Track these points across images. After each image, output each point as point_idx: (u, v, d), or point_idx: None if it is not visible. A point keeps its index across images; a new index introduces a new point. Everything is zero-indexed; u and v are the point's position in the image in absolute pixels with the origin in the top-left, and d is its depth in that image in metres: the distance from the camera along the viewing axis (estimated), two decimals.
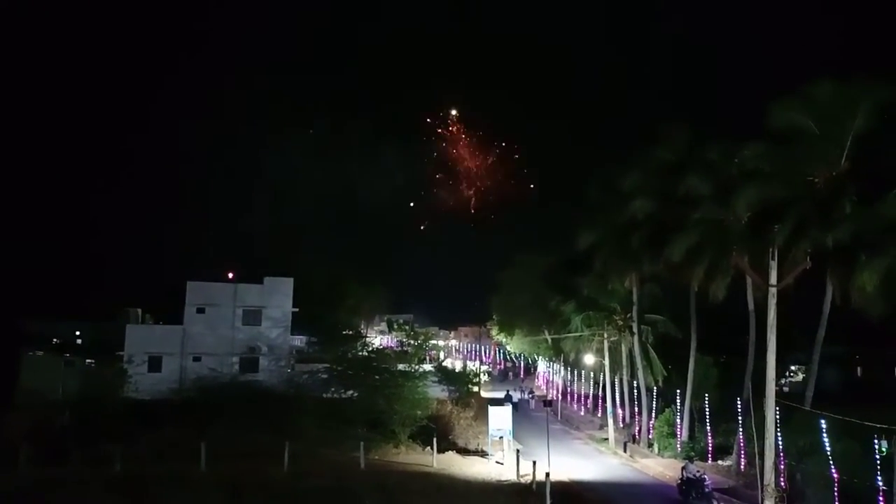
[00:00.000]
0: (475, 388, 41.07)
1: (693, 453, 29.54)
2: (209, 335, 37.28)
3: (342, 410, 30.25)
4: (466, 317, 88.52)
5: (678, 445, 31.63)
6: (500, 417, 29.97)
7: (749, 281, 25.73)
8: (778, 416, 21.14)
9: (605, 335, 38.74)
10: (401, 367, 32.80)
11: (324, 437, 27.46)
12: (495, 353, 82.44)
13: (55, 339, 53.41)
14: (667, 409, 33.94)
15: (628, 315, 37.13)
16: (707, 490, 21.91)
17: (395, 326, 52.34)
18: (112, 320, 43.69)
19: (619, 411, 39.75)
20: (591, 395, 47.79)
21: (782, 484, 21.80)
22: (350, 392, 31.59)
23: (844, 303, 22.08)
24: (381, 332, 69.33)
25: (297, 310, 39.08)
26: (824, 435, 20.37)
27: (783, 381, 46.48)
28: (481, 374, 50.71)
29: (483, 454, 30.25)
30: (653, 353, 37.25)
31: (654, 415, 34.94)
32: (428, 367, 37.41)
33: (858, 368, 54.72)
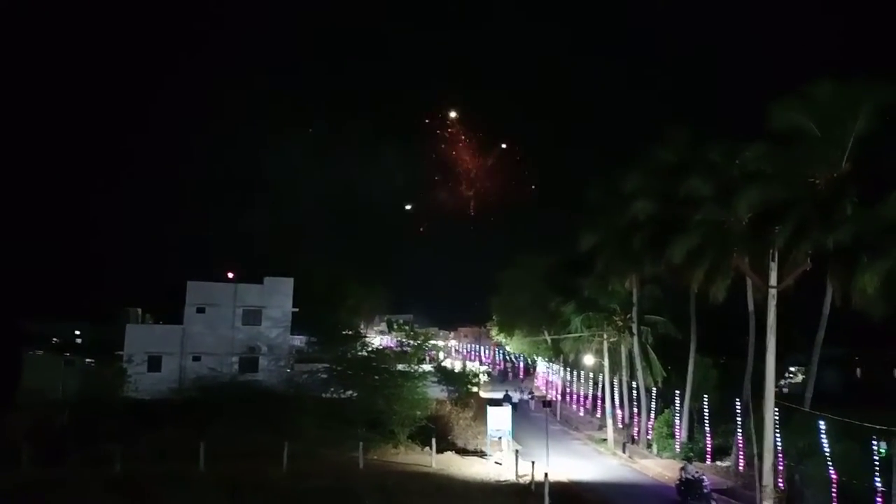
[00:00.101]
0: (474, 389, 41.03)
1: (692, 454, 29.62)
2: (209, 335, 37.27)
3: (341, 410, 30.24)
4: (466, 317, 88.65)
5: (677, 446, 31.65)
6: (500, 418, 29.97)
7: (749, 282, 25.74)
8: (777, 418, 21.20)
9: (605, 336, 38.75)
10: (400, 367, 32.80)
11: (323, 437, 27.47)
12: (495, 354, 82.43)
13: (55, 339, 53.38)
14: (666, 410, 33.95)
15: (628, 316, 37.14)
16: (706, 491, 21.93)
17: (395, 326, 52.36)
18: (112, 320, 43.69)
19: (619, 412, 39.73)
20: (590, 395, 47.76)
21: (781, 485, 21.84)
22: (349, 392, 31.58)
23: (844, 304, 22.07)
24: (381, 333, 69.32)
25: (296, 310, 39.08)
26: (823, 436, 20.39)
27: (782, 382, 46.48)
28: (481, 375, 50.66)
29: (482, 454, 30.25)
30: (652, 354, 37.24)
31: (653, 416, 34.94)
32: (427, 367, 37.41)
33: (858, 370, 54.73)
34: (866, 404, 24.72)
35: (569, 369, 52.03)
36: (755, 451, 20.48)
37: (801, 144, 23.25)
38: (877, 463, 19.04)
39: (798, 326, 29.63)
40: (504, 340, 66.29)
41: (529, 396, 52.15)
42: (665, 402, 35.06)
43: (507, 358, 78.60)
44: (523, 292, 52.64)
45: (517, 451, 26.77)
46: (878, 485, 18.87)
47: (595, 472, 29.05)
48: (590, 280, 37.96)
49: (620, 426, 38.57)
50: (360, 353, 34.39)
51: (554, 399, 50.41)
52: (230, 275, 40.88)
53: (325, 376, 32.56)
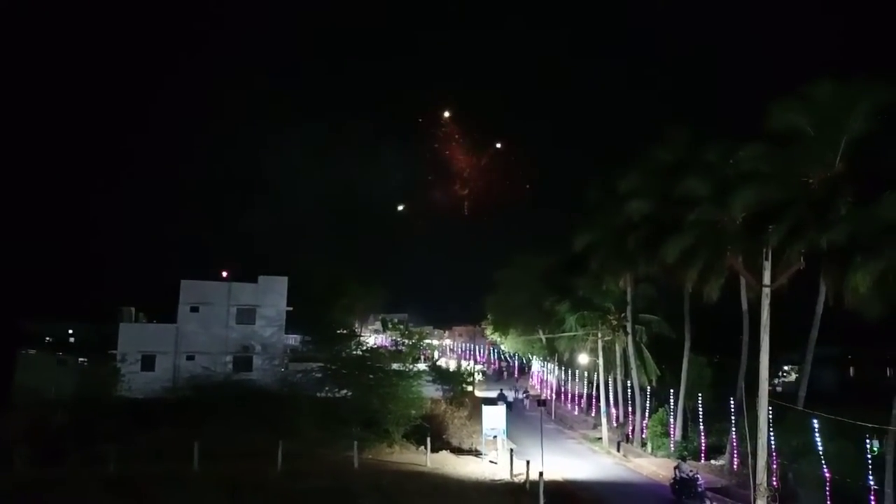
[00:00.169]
0: (469, 388, 41.04)
1: (686, 453, 29.64)
2: (203, 334, 37.17)
3: (336, 410, 30.19)
4: (461, 316, 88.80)
5: (671, 445, 31.73)
6: (494, 417, 29.97)
7: (743, 281, 25.82)
8: (771, 416, 21.25)
9: (600, 335, 38.83)
10: (395, 366, 32.77)
11: (318, 437, 27.43)
12: (490, 353, 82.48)
13: (48, 338, 53.18)
14: (660, 409, 34.03)
15: (622, 315, 37.22)
16: (700, 489, 22.01)
17: (390, 326, 52.17)
18: (105, 319, 43.51)
19: (613, 411, 39.83)
20: (585, 394, 47.85)
21: (775, 483, 21.89)
22: (344, 391, 31.55)
23: (837, 303, 22.15)
24: (376, 332, 69.22)
25: (291, 309, 39.03)
26: (817, 435, 20.47)
27: (776, 381, 46.68)
28: (475, 374, 50.67)
29: (477, 453, 30.26)
30: (647, 353, 37.36)
31: (647, 414, 35.02)
32: (422, 366, 37.39)
33: (851, 369, 55.01)
34: (860, 403, 24.75)
35: (563, 368, 52.11)
36: (749, 450, 20.51)
37: (797, 144, 23.32)
38: (870, 461, 19.13)
39: (792, 325, 29.66)
40: (499, 339, 66.35)
41: (524, 395, 52.22)
42: (659, 400, 35.15)
43: (502, 357, 78.68)
44: (518, 291, 52.70)
45: (512, 450, 26.77)
46: (872, 483, 18.96)
47: (590, 470, 29.09)
48: (584, 279, 38.05)
49: (615, 425, 38.66)
50: (354, 353, 34.34)
51: (548, 398, 50.48)
52: (224, 273, 40.74)
53: (319, 375, 32.51)
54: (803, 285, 23.13)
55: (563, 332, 41.89)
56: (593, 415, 43.41)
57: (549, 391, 54.80)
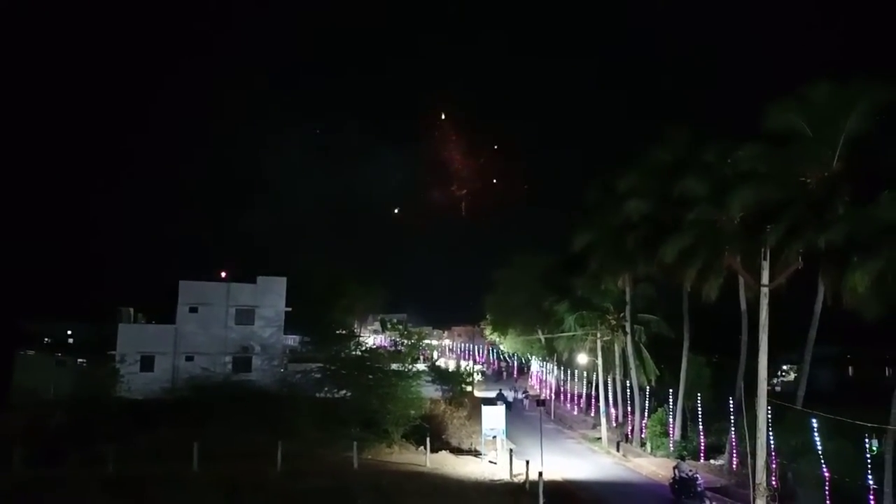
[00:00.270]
0: (468, 388, 41.05)
1: (685, 452, 29.64)
2: (202, 334, 37.14)
3: (335, 410, 30.18)
4: (460, 316, 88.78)
5: (671, 445, 31.74)
6: (494, 417, 29.97)
7: (742, 281, 25.84)
8: (770, 416, 21.22)
9: (599, 335, 38.82)
10: (394, 366, 32.75)
11: (317, 437, 27.41)
12: (489, 353, 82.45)
13: (46, 339, 53.10)
14: (659, 409, 34.03)
15: (621, 315, 37.22)
16: (699, 489, 22.02)
17: (389, 326, 52.16)
18: (104, 319, 43.46)
19: (612, 411, 39.83)
20: (584, 394, 47.86)
21: (774, 483, 21.91)
22: (343, 392, 31.53)
23: (836, 303, 22.19)
24: (375, 332, 69.26)
25: (290, 309, 39.02)
26: (816, 434, 20.49)
27: (775, 380, 46.67)
28: (475, 374, 50.66)
29: (476, 454, 30.27)
30: (646, 353, 37.34)
31: (646, 414, 35.02)
32: (421, 366, 37.37)
33: (850, 368, 55.02)
34: (858, 402, 24.78)
35: (563, 368, 52.11)
36: (748, 450, 20.52)
37: (795, 144, 23.36)
38: (869, 460, 19.15)
39: (791, 325, 29.70)
40: (498, 339, 66.33)
41: (523, 395, 52.21)
42: (658, 400, 35.16)
43: (502, 357, 78.67)
44: (517, 291, 52.66)
45: (511, 450, 26.78)
46: (871, 482, 18.97)
47: (589, 470, 29.11)
48: (583, 279, 38.04)
49: (614, 425, 38.66)
50: (353, 353, 34.34)
51: (548, 398, 50.48)
52: (223, 274, 40.72)
53: (318, 376, 32.49)
54: (802, 285, 23.16)
55: (562, 332, 41.86)
56: (592, 415, 43.42)
57: (548, 391, 54.80)
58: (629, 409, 36.92)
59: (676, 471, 22.85)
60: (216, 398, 29.57)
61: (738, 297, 27.13)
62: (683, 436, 32.03)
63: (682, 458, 26.29)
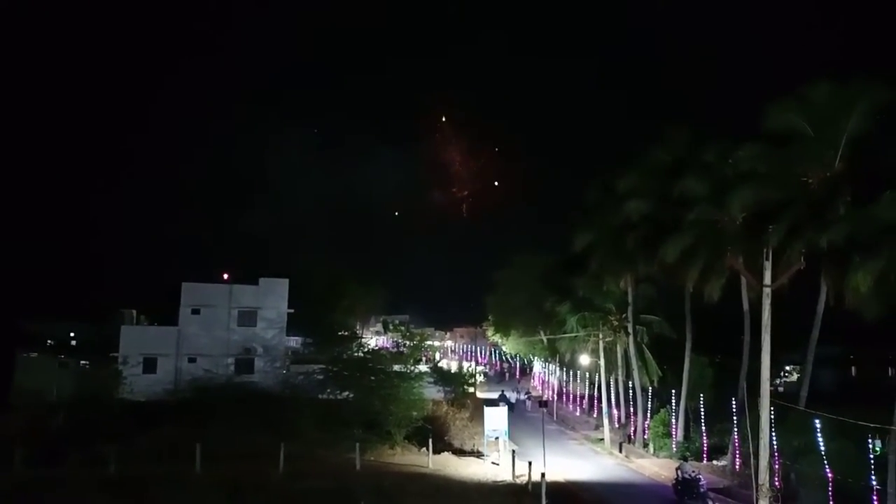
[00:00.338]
0: (471, 389, 41.04)
1: (688, 453, 29.68)
2: (204, 336, 37.20)
3: (338, 411, 30.17)
4: (462, 317, 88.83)
5: (673, 445, 31.72)
6: (496, 418, 29.96)
7: (744, 281, 25.81)
8: (773, 416, 21.23)
9: (601, 336, 38.80)
10: (396, 367, 32.74)
11: (320, 439, 27.41)
12: (491, 354, 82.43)
13: (49, 341, 53.17)
14: (662, 410, 34.02)
15: (623, 315, 37.20)
16: (702, 490, 21.98)
17: (391, 327, 52.17)
18: (106, 321, 43.53)
19: (615, 412, 39.80)
20: (586, 395, 47.84)
21: (777, 484, 21.90)
22: (346, 393, 31.52)
23: (838, 303, 22.16)
24: (377, 333, 69.25)
25: (292, 311, 39.05)
26: (818, 435, 20.46)
27: (778, 381, 46.66)
28: (477, 375, 50.65)
29: (479, 455, 30.26)
30: (648, 354, 37.33)
31: (649, 415, 35.00)
32: (423, 367, 37.37)
33: (853, 368, 54.97)
34: (861, 403, 24.74)
35: (565, 369, 52.10)
36: (751, 450, 20.51)
37: (795, 144, 23.34)
38: (872, 461, 19.12)
39: (793, 325, 29.71)
40: (500, 341, 66.32)
41: (526, 396, 52.21)
42: (661, 401, 35.14)
43: (504, 358, 78.65)
44: (519, 292, 52.68)
45: (514, 452, 26.77)
46: (874, 483, 18.94)
47: (592, 471, 29.08)
48: (585, 280, 38.03)
49: (617, 426, 38.64)
50: (356, 354, 34.33)
51: (550, 399, 50.46)
52: (225, 276, 40.78)
53: (321, 377, 32.48)
54: (804, 285, 23.15)
55: (565, 332, 41.86)
56: (595, 416, 43.40)
57: (550, 392, 54.79)
58: (631, 409, 36.90)
59: (679, 472, 22.83)
60: (218, 400, 29.57)
61: (740, 298, 27.10)
62: (686, 437, 32.00)
63: (685, 459, 26.34)
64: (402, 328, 39.41)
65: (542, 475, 21.37)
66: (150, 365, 35.77)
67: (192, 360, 36.47)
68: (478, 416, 33.22)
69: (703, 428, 30.05)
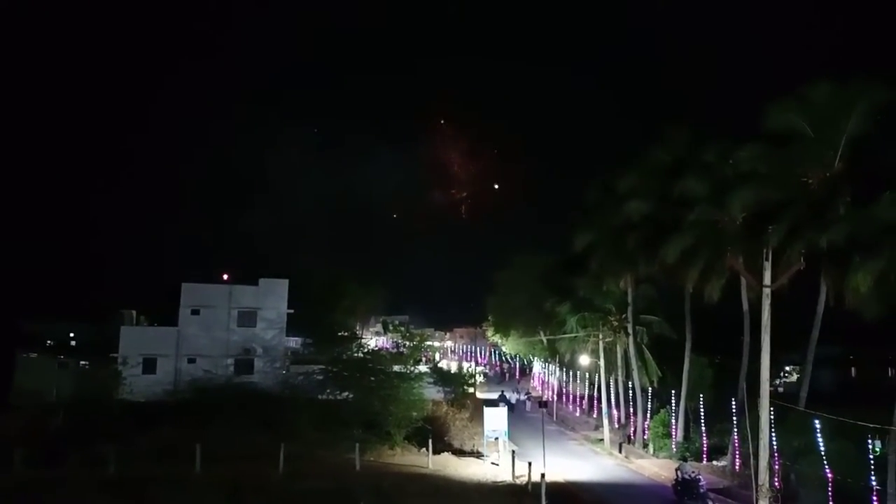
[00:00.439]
0: (471, 390, 41.03)
1: (688, 454, 29.66)
2: (204, 337, 37.18)
3: (337, 412, 30.15)
4: (462, 318, 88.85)
5: (673, 446, 31.71)
6: (496, 418, 29.96)
7: (743, 282, 25.81)
8: (772, 417, 21.22)
9: (601, 336, 38.79)
10: (396, 368, 32.73)
11: (319, 439, 27.40)
12: (491, 355, 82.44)
13: (49, 341, 53.17)
14: (662, 410, 34.01)
15: (623, 316, 37.20)
16: (702, 490, 21.97)
17: (391, 328, 52.22)
18: (106, 321, 43.52)
19: (615, 412, 39.79)
20: (586, 395, 47.82)
21: (777, 484, 21.89)
22: (345, 393, 31.51)
23: (838, 304, 22.17)
24: (377, 334, 69.32)
25: (292, 311, 39.04)
26: (818, 435, 20.46)
27: (778, 381, 46.65)
28: (477, 376, 50.65)
29: (478, 455, 30.25)
30: (648, 354, 37.33)
31: (649, 415, 34.99)
32: (423, 368, 37.36)
33: (853, 369, 54.98)
34: (861, 403, 24.75)
35: (565, 370, 52.09)
36: (751, 451, 20.51)
37: (796, 145, 23.35)
38: (872, 461, 19.11)
39: (793, 326, 29.73)
40: (500, 341, 66.33)
41: (526, 397, 52.17)
42: (661, 401, 35.13)
43: (504, 359, 78.67)
44: (519, 293, 52.68)
45: (514, 452, 26.76)
46: (874, 483, 18.94)
47: (591, 472, 29.07)
48: (585, 280, 38.02)
49: (616, 426, 38.63)
50: (355, 355, 34.30)
51: (550, 399, 50.44)
52: (225, 276, 40.77)
53: (320, 378, 32.46)
54: (804, 286, 23.15)
55: (564, 333, 41.85)
56: (595, 416, 43.38)
57: (550, 393, 54.78)
58: (631, 410, 36.89)
59: (679, 472, 22.82)
60: (218, 400, 29.57)
61: (740, 298, 27.10)
62: (686, 437, 31.99)
63: (685, 460, 26.33)
64: (402, 328, 39.43)
65: (542, 475, 21.37)
66: (149, 365, 35.75)
67: (191, 361, 36.45)
68: (477, 417, 33.21)
69: (703, 428, 30.04)
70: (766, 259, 20.44)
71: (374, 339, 59.96)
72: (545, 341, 52.07)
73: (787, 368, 51.21)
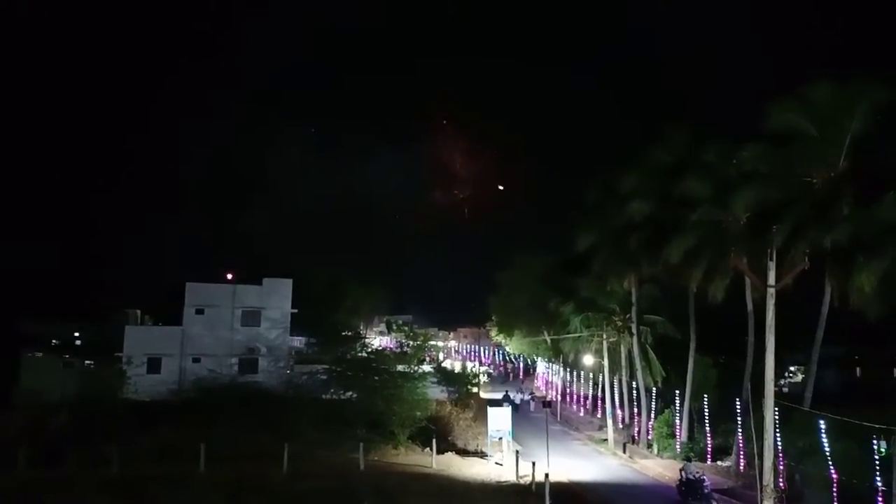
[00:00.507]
0: (474, 389, 41.04)
1: (692, 454, 29.57)
2: (208, 336, 37.28)
3: (341, 411, 30.20)
4: (465, 318, 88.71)
5: (677, 446, 31.65)
6: (500, 418, 29.97)
7: (748, 282, 25.75)
8: (777, 417, 21.19)
9: (605, 336, 38.74)
10: (400, 368, 32.77)
11: (323, 439, 27.44)
12: (494, 354, 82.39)
13: (54, 341, 53.34)
14: (666, 410, 33.95)
15: (627, 316, 37.13)
16: (706, 491, 21.93)
17: (395, 327, 52.24)
18: (111, 321, 43.65)
19: (619, 412, 39.73)
20: (590, 395, 47.77)
21: (781, 485, 21.83)
22: (349, 393, 31.56)
23: (843, 303, 22.10)
24: (381, 333, 69.29)
25: (296, 311, 39.09)
26: (823, 435, 20.39)
27: (782, 381, 46.52)
28: (481, 375, 50.67)
29: (482, 455, 30.25)
30: (652, 354, 37.23)
31: (653, 415, 34.94)
32: (427, 367, 37.38)
33: (857, 369, 54.75)
34: (866, 403, 24.70)
35: (569, 369, 52.03)
36: (755, 451, 20.47)
37: (799, 144, 23.29)
38: (877, 462, 19.05)
39: (797, 326, 29.65)
40: (504, 341, 66.27)
41: (530, 397, 52.15)
42: (665, 401, 35.05)
43: (507, 358, 78.61)
44: (522, 292, 52.60)
45: (517, 452, 26.76)
46: (879, 484, 18.87)
47: (595, 472, 29.05)
48: (588, 280, 37.95)
49: (620, 426, 38.57)
50: (359, 354, 34.35)
51: (554, 399, 50.40)
52: (229, 276, 40.86)
53: (324, 377, 32.53)
54: (809, 285, 23.09)
55: (568, 333, 41.79)
56: (599, 416, 43.34)
57: (554, 392, 54.73)
58: (635, 410, 36.82)
59: (683, 472, 22.78)
60: (222, 400, 29.65)
61: (744, 298, 27.02)
62: (690, 437, 31.91)
63: (689, 460, 26.24)
64: (406, 328, 39.47)
65: (546, 475, 21.37)
66: (154, 365, 35.87)
67: (196, 360, 36.57)
68: (481, 417, 33.21)
69: (708, 428, 29.96)
70: (771, 259, 20.41)
71: (377, 339, 59.98)
72: (549, 341, 52.00)
73: (792, 369, 51.04)
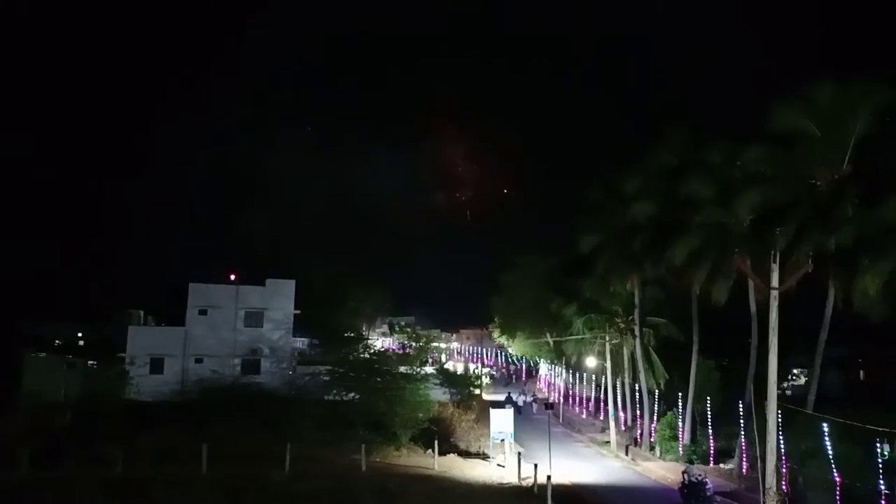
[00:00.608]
0: (477, 391, 41.00)
1: (695, 456, 29.51)
2: (211, 337, 37.33)
3: (343, 412, 30.23)
4: (468, 319, 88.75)
5: (680, 448, 31.58)
6: (502, 420, 29.94)
7: (751, 284, 25.70)
8: (780, 420, 21.14)
9: (607, 338, 38.69)
10: (402, 369, 32.79)
11: (325, 440, 27.46)
12: (497, 356, 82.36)
13: (57, 341, 53.45)
14: (669, 413, 33.88)
15: (630, 318, 37.07)
16: (709, 493, 21.87)
17: (397, 329, 52.30)
18: (113, 321, 43.72)
19: (621, 414, 39.67)
20: (592, 397, 47.68)
21: (784, 487, 21.78)
22: (351, 394, 31.58)
23: (846, 306, 22.03)
24: (383, 335, 69.39)
25: (298, 312, 39.11)
26: (826, 438, 20.32)
27: (785, 384, 46.31)
28: (483, 377, 50.65)
29: (484, 457, 30.22)
30: (654, 356, 37.16)
31: (655, 418, 34.87)
32: (430, 369, 37.38)
33: (861, 371, 54.58)
34: (869, 406, 24.65)
35: (571, 371, 51.97)
36: (758, 454, 20.42)
37: (802, 146, 23.22)
38: (880, 465, 18.98)
39: (800, 328, 29.60)
40: (506, 342, 66.23)
41: (532, 399, 52.07)
42: (668, 404, 34.99)
43: (510, 360, 78.59)
44: (524, 294, 52.61)
45: (520, 454, 26.73)
46: (882, 487, 18.81)
47: (597, 474, 28.99)
48: (591, 281, 37.87)
49: (623, 428, 38.50)
50: (361, 356, 34.39)
51: (556, 401, 50.33)
52: (232, 276, 40.91)
53: (326, 378, 32.55)
54: (812, 288, 23.03)
55: (571, 335, 41.75)
56: (601, 418, 43.25)
57: (556, 394, 54.66)
58: (638, 412, 36.76)
59: (686, 475, 22.71)
60: (225, 400, 29.69)
61: (747, 300, 26.96)
62: (693, 440, 31.85)
63: (692, 462, 26.18)
64: (408, 330, 39.50)
65: (548, 477, 21.34)
66: (157, 365, 35.93)
67: (198, 361, 36.63)
68: (484, 418, 33.17)
69: (710, 431, 29.89)
70: (774, 261, 20.38)
71: (380, 340, 60.02)
72: (551, 343, 51.96)
73: (795, 371, 50.88)
